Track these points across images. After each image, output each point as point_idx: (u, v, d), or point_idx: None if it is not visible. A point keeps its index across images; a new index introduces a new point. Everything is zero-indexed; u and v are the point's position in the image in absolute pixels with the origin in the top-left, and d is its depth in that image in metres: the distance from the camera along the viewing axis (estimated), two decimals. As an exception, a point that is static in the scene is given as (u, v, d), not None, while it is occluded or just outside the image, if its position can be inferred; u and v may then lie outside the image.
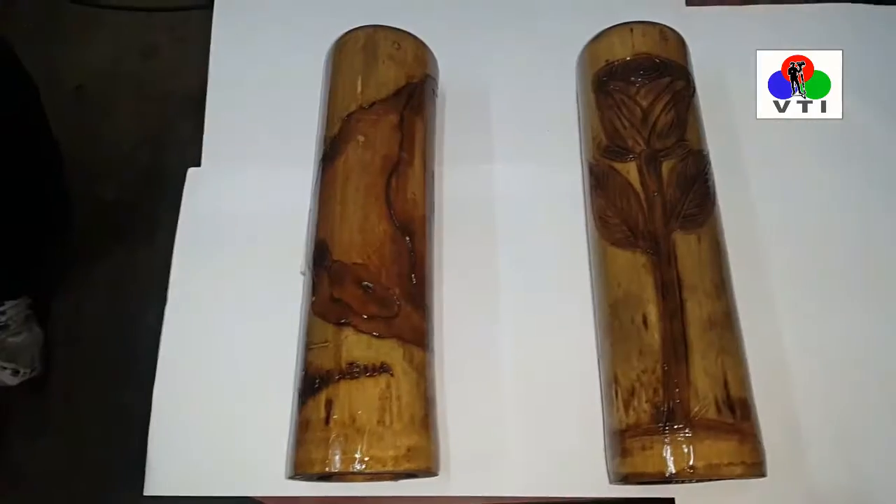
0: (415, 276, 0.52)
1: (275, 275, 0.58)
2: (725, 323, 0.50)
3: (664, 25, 0.59)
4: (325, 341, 0.49)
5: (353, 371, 0.47)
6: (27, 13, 1.46)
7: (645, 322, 0.49)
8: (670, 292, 0.49)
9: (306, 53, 0.65)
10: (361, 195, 0.52)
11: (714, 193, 0.55)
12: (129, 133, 1.36)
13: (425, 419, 0.48)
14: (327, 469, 0.45)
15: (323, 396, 0.47)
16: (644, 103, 0.55)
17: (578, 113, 0.63)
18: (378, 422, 0.46)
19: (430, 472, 0.48)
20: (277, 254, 0.59)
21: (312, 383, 0.48)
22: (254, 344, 0.57)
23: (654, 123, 0.55)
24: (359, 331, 0.48)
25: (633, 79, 0.56)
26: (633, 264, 0.51)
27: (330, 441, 0.46)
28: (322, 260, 0.51)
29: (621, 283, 0.51)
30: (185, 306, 0.59)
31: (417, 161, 0.55)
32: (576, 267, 0.58)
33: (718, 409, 0.46)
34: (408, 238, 0.52)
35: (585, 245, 0.58)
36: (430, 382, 0.51)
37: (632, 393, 0.48)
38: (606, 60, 0.58)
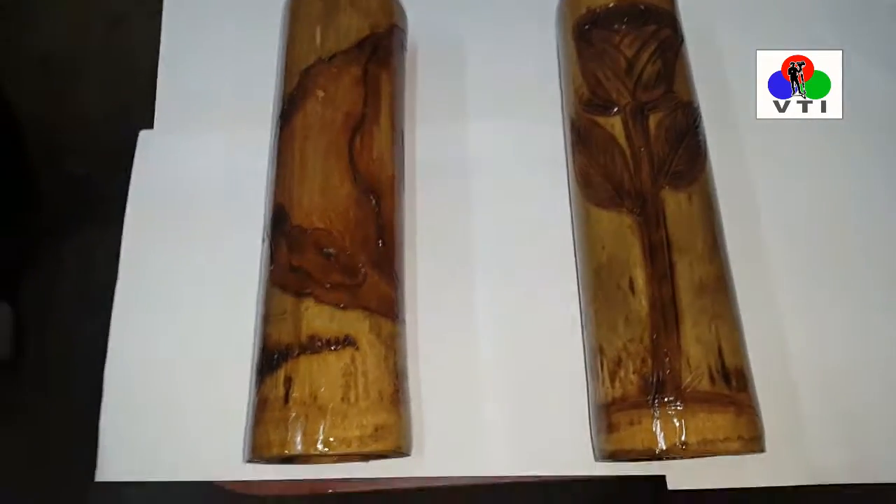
0: (382, 242, 0.47)
1: (233, 243, 0.54)
2: (718, 287, 0.46)
3: (650, -31, 0.54)
4: (284, 313, 0.45)
5: (314, 345, 0.43)
6: (-16, -20, 1.39)
7: (631, 287, 0.45)
8: (658, 255, 0.45)
9: (266, 3, 0.60)
10: (322, 155, 0.48)
11: (706, 149, 0.51)
12: (96, 105, 1.31)
13: (395, 395, 0.44)
14: (287, 451, 0.42)
15: (282, 373, 0.43)
16: (628, 53, 0.51)
17: (559, 65, 0.58)
18: (342, 399, 0.42)
19: (400, 451, 0.45)
20: (236, 221, 0.55)
21: (271, 359, 0.44)
22: (212, 317, 0.52)
23: (640, 74, 0.50)
24: (320, 301, 0.44)
25: (616, 26, 0.52)
26: (619, 225, 0.47)
27: (290, 421, 0.42)
28: (280, 226, 0.47)
29: (605, 245, 0.47)
30: (137, 279, 0.54)
31: (384, 118, 0.51)
32: (558, 231, 0.54)
33: (712, 380, 0.42)
34: (374, 200, 0.48)
35: (568, 208, 0.55)
36: (401, 356, 0.47)
37: (618, 364, 0.44)
38: (588, 7, 0.54)
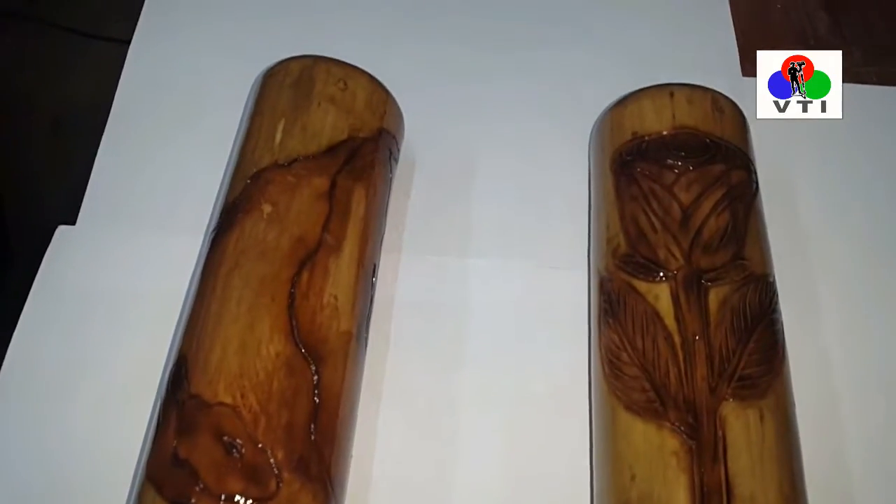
0: (315, 430, 0.33)
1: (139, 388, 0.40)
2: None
3: (717, 92, 0.42)
4: (149, 532, 0.30)
5: None
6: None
7: (671, 550, 0.30)
8: (715, 505, 0.30)
9: (231, 90, 0.49)
10: (251, 293, 0.35)
11: (784, 345, 0.36)
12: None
13: None
14: None
15: None
16: (685, 198, 0.38)
17: (590, 202, 0.46)
18: None
19: None
20: (147, 360, 0.41)
21: None
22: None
23: (700, 229, 0.37)
24: (203, 521, 0.30)
25: (670, 161, 0.40)
26: (659, 448, 0.32)
27: None
28: (175, 392, 0.33)
29: (636, 474, 0.32)
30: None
31: (349, 249, 0.38)
32: (571, 425, 0.40)
33: None
34: (314, 367, 0.34)
35: (587, 391, 0.40)
36: None
37: None
38: (634, 133, 0.42)
